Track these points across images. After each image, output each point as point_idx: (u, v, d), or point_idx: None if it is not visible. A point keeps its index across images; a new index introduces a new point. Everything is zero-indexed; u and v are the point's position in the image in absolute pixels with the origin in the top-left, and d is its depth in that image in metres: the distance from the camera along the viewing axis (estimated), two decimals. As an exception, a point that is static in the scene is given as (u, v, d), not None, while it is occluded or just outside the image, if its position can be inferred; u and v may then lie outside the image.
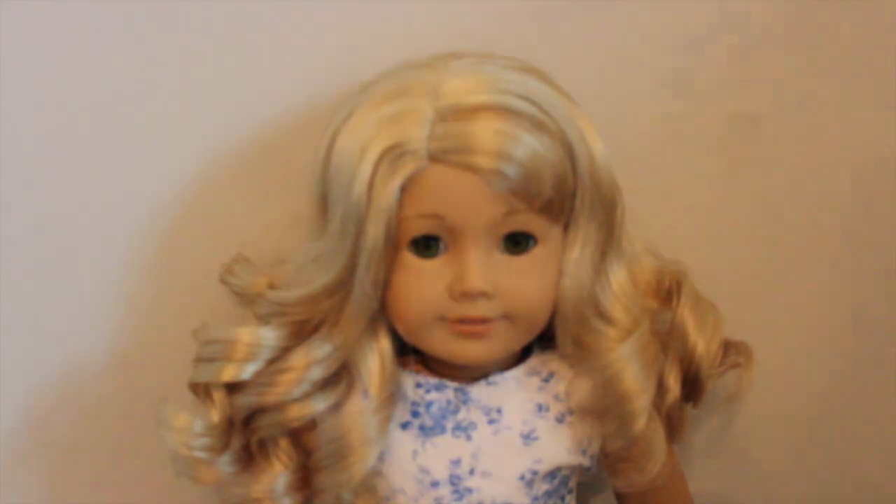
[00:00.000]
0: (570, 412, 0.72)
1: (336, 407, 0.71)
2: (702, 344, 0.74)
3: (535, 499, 0.72)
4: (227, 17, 0.76)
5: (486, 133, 0.64)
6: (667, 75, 0.79)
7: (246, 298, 0.75)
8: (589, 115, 0.68)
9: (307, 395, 0.70)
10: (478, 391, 0.71)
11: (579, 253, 0.69)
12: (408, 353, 0.72)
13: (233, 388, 0.71)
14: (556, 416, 0.72)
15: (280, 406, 0.71)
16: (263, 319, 0.72)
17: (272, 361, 0.70)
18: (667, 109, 0.80)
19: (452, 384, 0.71)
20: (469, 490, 0.71)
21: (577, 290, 0.69)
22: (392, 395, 0.70)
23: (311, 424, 0.72)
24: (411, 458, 0.71)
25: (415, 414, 0.71)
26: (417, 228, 0.66)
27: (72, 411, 0.81)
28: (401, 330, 0.70)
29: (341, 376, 0.71)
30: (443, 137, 0.64)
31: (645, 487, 0.73)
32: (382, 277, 0.67)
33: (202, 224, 0.79)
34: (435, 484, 0.71)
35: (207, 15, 0.76)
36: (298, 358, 0.70)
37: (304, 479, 0.73)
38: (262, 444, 0.73)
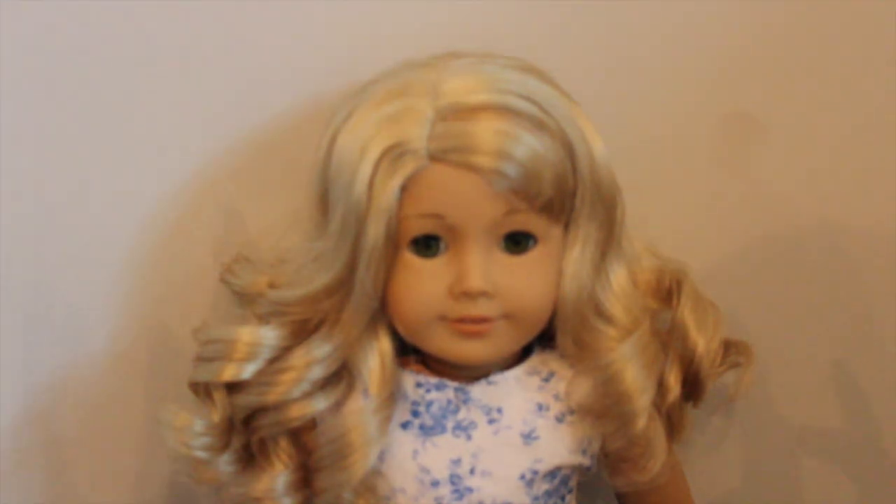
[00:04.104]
0: (571, 412, 0.72)
1: (336, 406, 0.71)
2: (702, 343, 0.74)
3: (536, 498, 0.72)
4: (227, 16, 0.76)
5: (486, 133, 0.64)
6: (666, 75, 0.80)
7: (246, 298, 0.75)
8: (589, 115, 0.68)
9: (307, 395, 0.70)
10: (478, 391, 0.71)
11: (579, 252, 0.69)
12: (408, 353, 0.72)
13: (233, 387, 0.71)
14: (557, 416, 0.72)
15: (280, 406, 0.71)
16: (263, 319, 0.72)
17: (272, 361, 0.70)
18: (667, 109, 0.80)
19: (453, 384, 0.71)
20: (469, 489, 0.71)
21: (578, 289, 0.69)
22: (392, 395, 0.71)
23: (312, 424, 0.72)
24: (411, 458, 0.71)
25: (415, 413, 0.71)
26: (418, 228, 0.66)
27: (72, 411, 0.81)
28: (401, 329, 0.70)
29: (341, 376, 0.71)
30: (443, 137, 0.64)
31: (645, 487, 0.73)
32: (383, 277, 0.67)
33: (202, 223, 0.79)
34: (435, 483, 0.71)
35: (208, 14, 0.76)
36: (298, 357, 0.70)
37: (305, 478, 0.73)
38: (263, 444, 0.73)
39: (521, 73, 0.67)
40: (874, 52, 0.80)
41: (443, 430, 0.71)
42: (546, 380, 0.73)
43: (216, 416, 0.72)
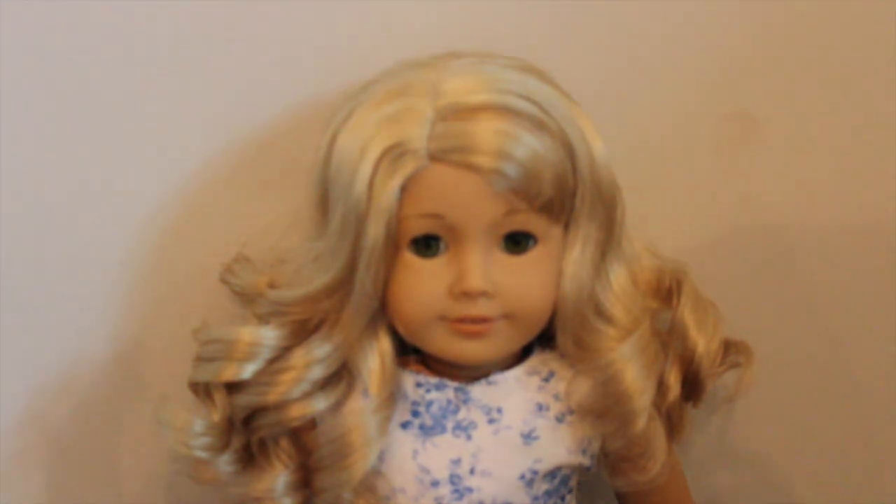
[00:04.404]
0: (571, 412, 0.72)
1: (336, 406, 0.71)
2: (702, 343, 0.74)
3: (536, 498, 0.72)
4: (227, 16, 0.76)
5: (486, 133, 0.64)
6: (666, 75, 0.80)
7: (246, 298, 0.75)
8: (589, 115, 0.68)
9: (307, 395, 0.70)
10: (478, 391, 0.71)
11: (579, 252, 0.69)
12: (408, 353, 0.72)
13: (233, 387, 0.71)
14: (557, 416, 0.72)
15: (280, 406, 0.71)
16: (264, 319, 0.72)
17: (272, 361, 0.70)
18: (666, 109, 0.80)
19: (453, 384, 0.71)
20: (469, 489, 0.71)
21: (578, 289, 0.69)
22: (392, 395, 0.71)
23: (312, 424, 0.72)
24: (411, 458, 0.71)
25: (415, 413, 0.71)
26: (418, 228, 0.66)
27: (72, 410, 0.81)
28: (401, 329, 0.70)
29: (341, 376, 0.71)
30: (443, 137, 0.64)
31: (645, 487, 0.73)
32: (383, 277, 0.67)
33: (202, 223, 0.79)
34: (435, 483, 0.71)
35: (208, 14, 0.76)
36: (298, 357, 0.70)
37: (304, 478, 0.73)
38: (263, 444, 0.73)
39: (521, 73, 0.67)
40: (874, 52, 0.80)
41: (443, 430, 0.71)
42: (546, 380, 0.73)
43: (216, 416, 0.72)
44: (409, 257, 0.67)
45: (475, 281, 0.66)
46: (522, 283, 0.67)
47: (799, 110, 0.80)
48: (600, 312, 0.70)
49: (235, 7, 0.76)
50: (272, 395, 0.70)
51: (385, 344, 0.70)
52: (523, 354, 0.73)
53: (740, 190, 0.82)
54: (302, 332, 0.70)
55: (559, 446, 0.72)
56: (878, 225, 0.82)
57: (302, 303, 0.69)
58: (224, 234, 0.78)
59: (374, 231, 0.65)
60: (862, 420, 0.86)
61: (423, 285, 0.67)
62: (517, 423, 0.71)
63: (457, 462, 0.71)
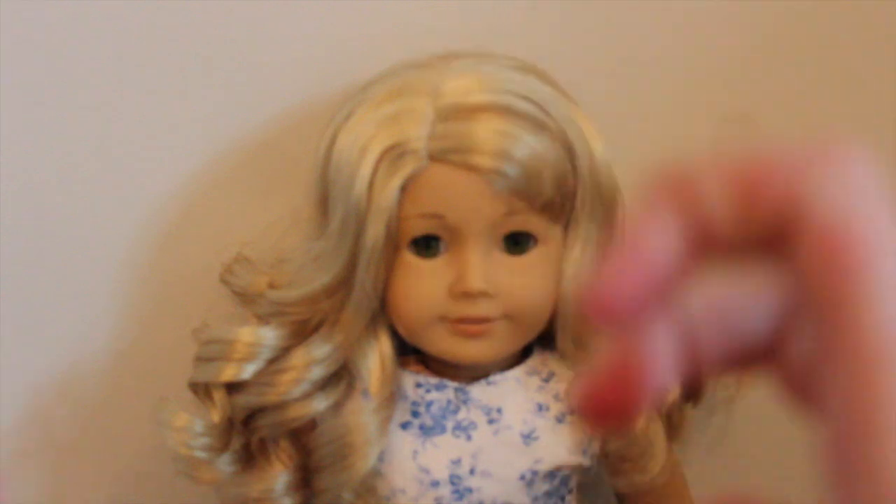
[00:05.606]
0: (571, 412, 0.72)
1: (336, 407, 0.71)
2: (702, 343, 0.74)
3: (536, 498, 0.72)
4: (227, 16, 0.76)
5: (486, 133, 0.64)
6: (667, 75, 0.79)
7: (246, 298, 0.75)
8: (589, 115, 0.68)
9: (307, 395, 0.70)
10: (478, 391, 0.71)
11: (580, 253, 0.69)
12: (408, 353, 0.72)
13: (233, 387, 0.71)
14: (557, 416, 0.72)
15: (280, 406, 0.71)
16: (263, 319, 0.72)
17: (272, 361, 0.70)
18: (666, 109, 0.80)
19: (453, 384, 0.71)
20: (469, 490, 0.71)
21: (578, 290, 0.69)
22: (392, 395, 0.71)
23: (312, 424, 0.72)
24: (411, 458, 0.71)
25: (415, 414, 0.71)
26: (418, 228, 0.66)
27: (72, 411, 0.81)
28: (401, 330, 0.70)
29: (341, 376, 0.71)
30: (443, 137, 0.64)
31: (645, 487, 0.73)
32: (383, 277, 0.67)
33: (202, 224, 0.79)
34: (435, 484, 0.71)
35: (208, 14, 0.76)
36: (298, 357, 0.70)
37: (304, 478, 0.73)
38: (263, 444, 0.73)
39: (521, 73, 0.67)
40: (875, 51, 0.80)
41: (443, 430, 0.71)
42: (546, 380, 0.73)
43: (216, 417, 0.72)
44: (409, 257, 0.67)
45: (475, 281, 0.66)
46: (522, 283, 0.67)
47: (800, 110, 0.80)
48: (600, 313, 0.70)
49: (236, 7, 0.76)
50: (272, 396, 0.70)
51: (385, 344, 0.70)
52: (523, 355, 0.73)
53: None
54: (302, 332, 0.70)
55: (559, 446, 0.72)
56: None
57: (302, 303, 0.69)
58: (224, 234, 0.78)
59: (374, 231, 0.65)
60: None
61: (423, 285, 0.67)
62: (517, 423, 0.71)
63: (457, 462, 0.71)
